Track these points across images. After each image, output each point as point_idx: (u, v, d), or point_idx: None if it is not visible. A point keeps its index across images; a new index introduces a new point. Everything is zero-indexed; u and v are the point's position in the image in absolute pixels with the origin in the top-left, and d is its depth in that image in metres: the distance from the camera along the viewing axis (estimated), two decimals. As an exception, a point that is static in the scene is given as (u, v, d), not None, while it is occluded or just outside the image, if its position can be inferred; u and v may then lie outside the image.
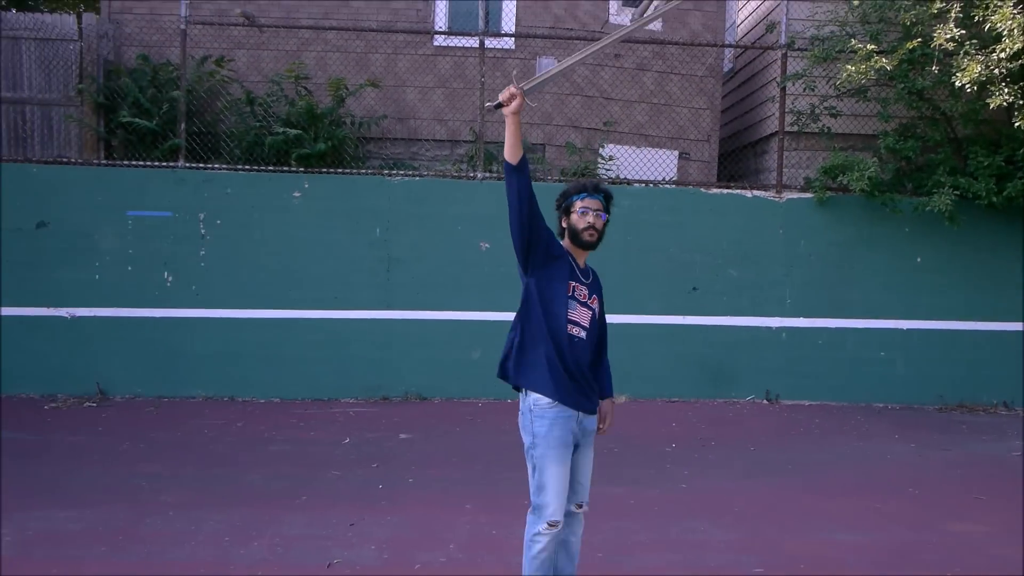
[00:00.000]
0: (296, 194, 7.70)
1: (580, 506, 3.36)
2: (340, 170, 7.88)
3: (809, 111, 8.19)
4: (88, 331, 7.57)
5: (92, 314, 7.58)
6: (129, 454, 5.96)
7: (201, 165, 7.73)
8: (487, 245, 7.80)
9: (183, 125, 7.72)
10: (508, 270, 7.79)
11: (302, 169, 7.81)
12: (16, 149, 7.92)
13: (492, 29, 8.72)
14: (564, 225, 3.37)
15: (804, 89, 8.05)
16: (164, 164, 7.69)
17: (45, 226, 7.51)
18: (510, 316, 3.37)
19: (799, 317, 8.00)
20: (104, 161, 7.82)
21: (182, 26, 7.71)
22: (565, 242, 3.37)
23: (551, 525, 3.18)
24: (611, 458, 5.97)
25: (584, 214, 3.28)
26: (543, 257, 3.24)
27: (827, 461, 6.14)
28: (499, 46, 8.90)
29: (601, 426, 3.45)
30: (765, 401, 7.96)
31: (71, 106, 7.91)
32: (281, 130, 7.87)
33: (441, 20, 9.05)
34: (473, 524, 4.67)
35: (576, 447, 3.30)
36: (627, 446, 6.28)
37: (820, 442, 6.69)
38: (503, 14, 8.92)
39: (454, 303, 7.81)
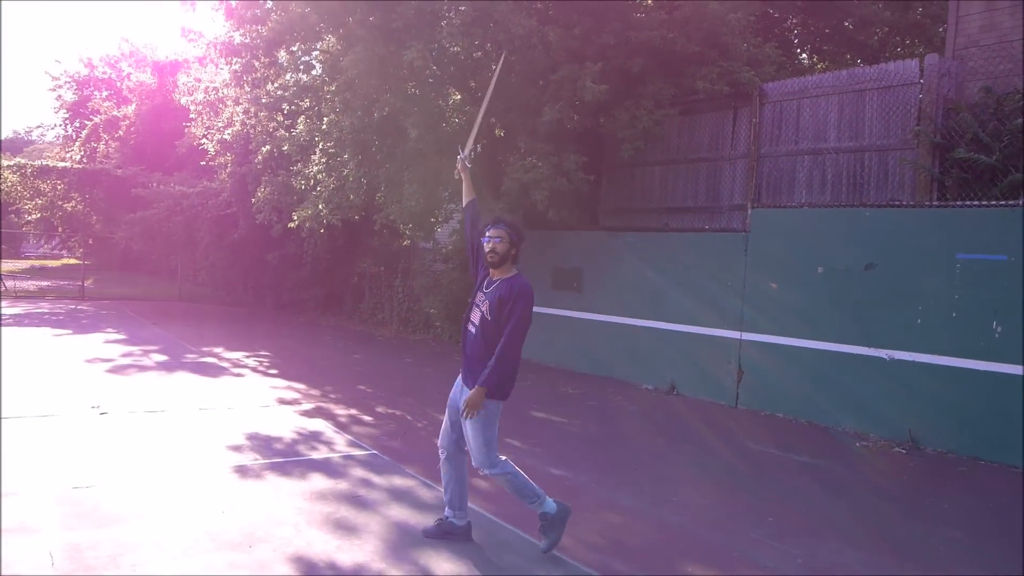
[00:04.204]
0: None
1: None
2: None
3: None
4: (905, 375, 7.42)
5: (910, 358, 7.40)
6: (930, 510, 5.56)
7: (1046, 202, 6.73)
8: None
9: (1027, 158, 6.88)
10: None
11: None
12: (853, 195, 8.34)
13: None
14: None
15: None
16: (1001, 203, 6.98)
17: (873, 267, 7.70)
18: None
19: None
20: (936, 203, 7.56)
21: None
22: None
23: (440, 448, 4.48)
24: None
25: (487, 242, 4.25)
26: (475, 273, 4.48)
27: None
28: None
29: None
30: None
31: (907, 149, 7.90)
32: None
33: None
34: None
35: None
36: None
37: None
38: None
39: None
